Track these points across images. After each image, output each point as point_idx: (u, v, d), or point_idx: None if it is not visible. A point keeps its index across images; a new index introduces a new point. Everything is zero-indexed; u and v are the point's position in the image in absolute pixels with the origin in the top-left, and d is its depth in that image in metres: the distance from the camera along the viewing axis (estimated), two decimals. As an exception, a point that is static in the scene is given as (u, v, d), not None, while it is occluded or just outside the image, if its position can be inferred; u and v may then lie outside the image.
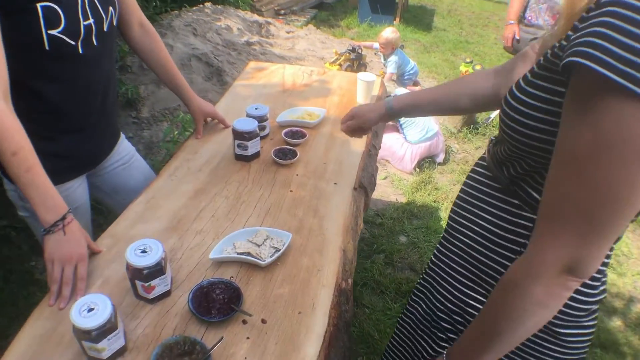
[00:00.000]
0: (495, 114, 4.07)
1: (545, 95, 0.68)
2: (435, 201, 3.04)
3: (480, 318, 0.77)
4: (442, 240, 1.04)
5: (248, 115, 1.55)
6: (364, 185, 1.44)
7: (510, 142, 0.76)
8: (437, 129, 3.34)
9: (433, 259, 1.08)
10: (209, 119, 1.68)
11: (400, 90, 3.61)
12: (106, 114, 1.33)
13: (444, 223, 2.82)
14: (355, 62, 4.37)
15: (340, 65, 4.27)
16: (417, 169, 3.33)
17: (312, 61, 4.37)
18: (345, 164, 1.49)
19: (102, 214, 2.15)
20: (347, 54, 4.30)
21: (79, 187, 1.33)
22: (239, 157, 1.46)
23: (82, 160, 1.32)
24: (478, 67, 4.87)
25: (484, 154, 0.94)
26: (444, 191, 3.14)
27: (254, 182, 1.38)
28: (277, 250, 1.11)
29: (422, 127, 3.30)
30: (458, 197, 0.99)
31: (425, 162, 3.39)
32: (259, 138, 1.45)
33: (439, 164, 3.46)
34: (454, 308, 0.99)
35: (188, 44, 3.65)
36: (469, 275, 0.94)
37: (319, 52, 4.54)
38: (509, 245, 0.84)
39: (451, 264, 0.99)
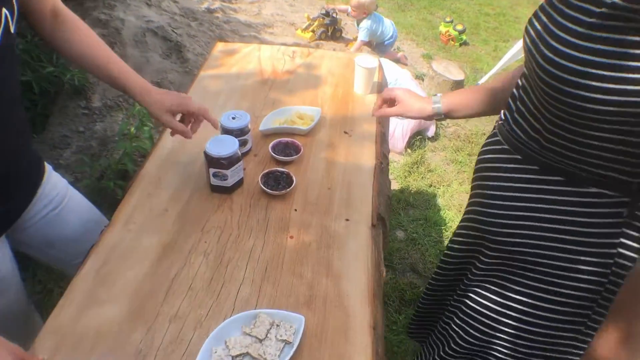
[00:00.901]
0: (485, 77, 3.77)
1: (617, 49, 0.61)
2: (430, 185, 2.77)
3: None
4: (481, 257, 0.96)
5: (224, 129, 1.18)
6: (382, 216, 1.12)
7: (571, 109, 0.68)
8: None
9: (472, 278, 1.00)
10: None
11: (386, 62, 3.23)
12: (17, 151, 0.93)
13: (443, 213, 2.56)
14: (330, 27, 3.93)
15: (313, 31, 3.83)
16: (408, 150, 3.02)
17: (281, 27, 3.90)
18: (355, 187, 1.16)
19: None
20: (321, 19, 3.84)
21: (-5, 253, 0.95)
22: (216, 189, 1.11)
23: None
24: (460, 27, 4.52)
25: (492, 138, 0.94)
26: (439, 173, 2.87)
27: (240, 226, 1.03)
28: (287, 343, 0.80)
29: None
30: (491, 200, 0.89)
31: (415, 140, 3.09)
32: (241, 162, 1.09)
33: (430, 138, 3.17)
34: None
35: (141, 17, 3.12)
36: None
37: (289, 17, 4.06)
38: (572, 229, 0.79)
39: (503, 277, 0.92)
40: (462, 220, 1.07)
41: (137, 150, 2.38)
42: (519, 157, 0.83)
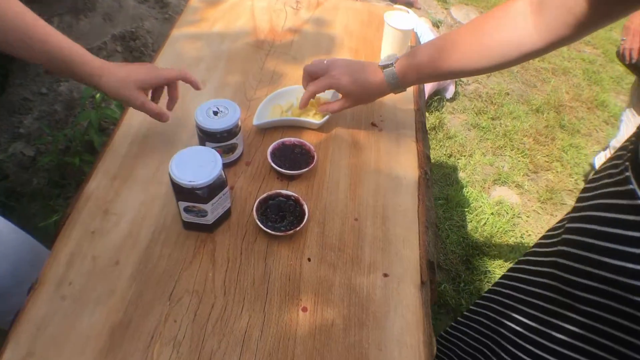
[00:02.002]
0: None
1: None
2: (450, 156, 2.42)
3: None
4: None
5: (201, 131, 0.80)
6: (432, 260, 0.78)
7: None
8: None
9: None
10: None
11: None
12: None
13: (466, 191, 2.23)
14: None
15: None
16: (426, 113, 2.63)
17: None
18: (393, 215, 0.81)
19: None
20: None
21: None
22: (190, 226, 0.75)
23: None
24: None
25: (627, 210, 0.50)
26: (459, 141, 2.50)
27: (227, 292, 0.69)
28: None
29: None
30: None
31: (432, 100, 2.69)
32: (227, 189, 0.73)
33: (449, 100, 2.77)
34: None
35: (105, -53, 2.58)
36: None
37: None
38: None
39: None
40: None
41: (105, 118, 1.98)
42: None
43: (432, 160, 2.37)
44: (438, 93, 2.72)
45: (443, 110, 2.70)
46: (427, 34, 2.49)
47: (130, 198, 0.80)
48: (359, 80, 0.85)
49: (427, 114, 2.62)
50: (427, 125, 2.53)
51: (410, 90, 1.07)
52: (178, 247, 0.74)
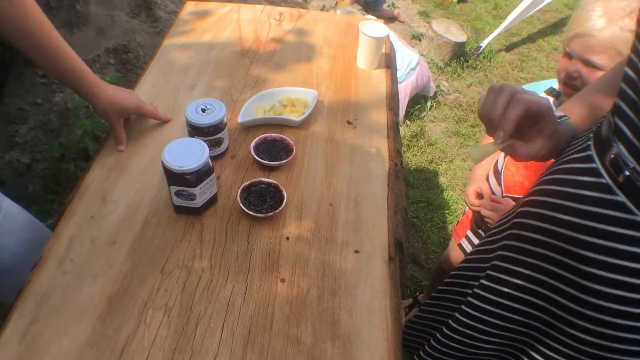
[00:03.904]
0: (487, 41, 3.45)
1: None
2: (431, 162, 2.52)
3: None
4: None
5: (191, 126, 0.89)
6: (400, 240, 0.87)
7: None
8: (416, 57, 2.70)
9: None
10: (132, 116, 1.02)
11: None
12: None
13: (446, 194, 2.33)
14: (319, -23, 3.50)
15: (301, -17, 3.41)
16: (407, 121, 2.74)
17: (265, -22, 3.46)
18: (365, 201, 0.90)
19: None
20: (309, -32, 3.42)
21: None
22: (181, 210, 0.83)
23: None
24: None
25: (591, 176, 0.56)
26: (440, 147, 2.61)
27: (213, 266, 0.77)
28: None
29: (400, 59, 2.64)
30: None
31: (414, 109, 2.80)
32: (214, 175, 0.81)
33: (431, 98, 2.88)
34: None
35: (99, -35, 2.69)
36: None
37: (273, -34, 3.60)
38: None
39: None
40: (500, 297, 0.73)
41: (99, 127, 2.06)
42: None
43: (414, 167, 2.47)
44: (422, 92, 2.83)
45: (424, 118, 2.82)
46: (396, 44, 2.61)
47: (125, 187, 0.88)
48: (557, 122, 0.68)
49: (408, 122, 2.74)
50: (409, 133, 2.65)
51: (383, 92, 1.17)
52: (169, 228, 0.82)
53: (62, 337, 0.68)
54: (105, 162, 0.92)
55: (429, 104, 2.87)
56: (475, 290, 0.76)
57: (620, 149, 0.52)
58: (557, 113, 0.68)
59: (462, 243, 1.38)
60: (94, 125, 1.95)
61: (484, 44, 3.44)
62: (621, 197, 0.52)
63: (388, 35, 1.22)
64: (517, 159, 0.67)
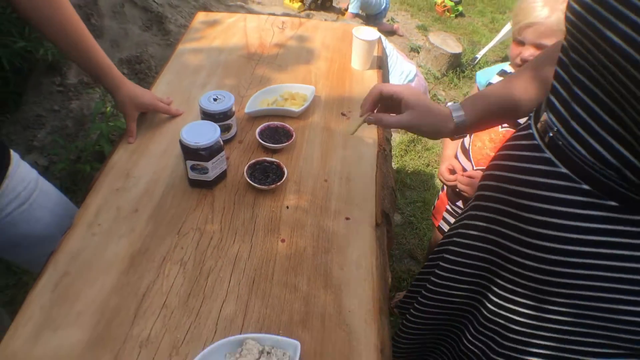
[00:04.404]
0: (482, 52, 3.60)
1: None
2: (428, 165, 2.64)
3: None
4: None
5: (204, 112, 1.01)
6: (387, 213, 0.98)
7: None
8: (414, 68, 2.83)
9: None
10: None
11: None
12: None
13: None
14: (321, -5, 3.69)
15: (302, 1, 3.60)
16: (405, 127, 2.87)
17: (269, -4, 3.66)
18: (355, 178, 1.02)
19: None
20: (311, -14, 3.61)
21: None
22: (195, 184, 0.95)
23: None
24: (458, -3, 4.30)
25: (532, 152, 0.68)
26: (436, 152, 2.73)
27: (223, 228, 0.89)
28: (280, 376, 0.67)
29: (400, 70, 2.78)
30: (545, 230, 0.66)
31: (411, 117, 2.93)
32: (223, 153, 0.94)
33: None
34: None
35: (117, -16, 2.88)
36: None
37: (278, -16, 3.81)
38: None
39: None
40: (465, 238, 0.85)
41: (114, 131, 2.20)
42: (588, 187, 0.60)
43: (411, 169, 2.59)
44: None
45: (422, 125, 2.94)
46: (395, 56, 2.75)
47: (146, 166, 1.00)
48: (426, 100, 0.81)
49: (406, 129, 2.86)
50: (407, 139, 2.77)
51: (375, 81, 1.30)
52: (185, 199, 0.94)
53: (91, 286, 0.79)
54: (128, 146, 1.05)
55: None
56: (448, 247, 0.87)
57: (549, 116, 0.64)
58: (450, 104, 0.81)
59: (440, 225, 1.49)
60: (110, 130, 2.08)
61: (479, 55, 3.59)
62: (547, 154, 0.64)
63: (379, 38, 1.35)
64: (385, 126, 0.97)
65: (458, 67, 3.46)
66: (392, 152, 2.66)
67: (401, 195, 2.43)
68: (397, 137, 2.82)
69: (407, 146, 2.75)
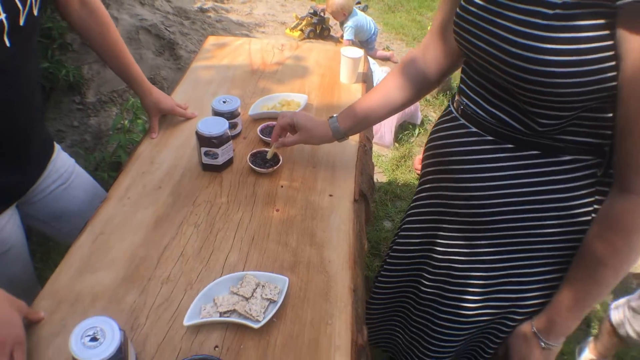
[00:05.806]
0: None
1: (587, 34, 0.64)
2: (417, 178, 2.85)
3: (582, 277, 0.78)
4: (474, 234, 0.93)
5: (215, 112, 1.24)
6: (364, 193, 1.19)
7: (543, 96, 0.71)
8: None
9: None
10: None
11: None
12: (31, 128, 0.99)
13: (429, 204, 2.63)
14: (318, 26, 4.00)
15: (302, 30, 3.91)
16: (396, 144, 3.10)
17: (272, 27, 3.97)
18: (339, 166, 1.23)
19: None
20: (309, 18, 3.92)
21: (8, 222, 1.01)
22: (207, 167, 1.17)
23: (7, 188, 1.00)
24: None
25: (452, 122, 0.93)
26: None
27: (229, 201, 1.10)
28: (272, 302, 0.86)
29: None
30: (467, 183, 0.90)
31: (402, 134, 3.17)
32: (231, 142, 1.15)
33: (419, 126, 3.24)
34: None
35: (135, 15, 3.18)
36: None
37: (280, 17, 4.13)
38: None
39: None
40: (417, 207, 1.08)
41: (130, 143, 2.43)
42: (491, 138, 0.84)
43: (402, 182, 2.80)
44: (409, 122, 3.20)
45: (412, 142, 3.17)
46: (377, 71, 3.02)
47: (167, 155, 1.22)
48: (312, 118, 1.15)
49: (397, 146, 3.09)
50: (398, 155, 2.99)
51: (360, 93, 1.53)
52: (199, 179, 1.15)
53: (122, 242, 0.99)
54: (151, 141, 1.27)
55: (416, 131, 3.24)
56: (406, 219, 1.09)
57: (461, 97, 0.90)
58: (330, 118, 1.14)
59: None
60: (127, 141, 2.32)
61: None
62: (462, 121, 0.89)
63: (363, 56, 1.59)
64: (289, 145, 1.16)
65: (448, 90, 3.71)
66: (384, 167, 2.88)
67: (392, 205, 2.62)
68: (390, 153, 3.04)
69: (398, 162, 2.97)
